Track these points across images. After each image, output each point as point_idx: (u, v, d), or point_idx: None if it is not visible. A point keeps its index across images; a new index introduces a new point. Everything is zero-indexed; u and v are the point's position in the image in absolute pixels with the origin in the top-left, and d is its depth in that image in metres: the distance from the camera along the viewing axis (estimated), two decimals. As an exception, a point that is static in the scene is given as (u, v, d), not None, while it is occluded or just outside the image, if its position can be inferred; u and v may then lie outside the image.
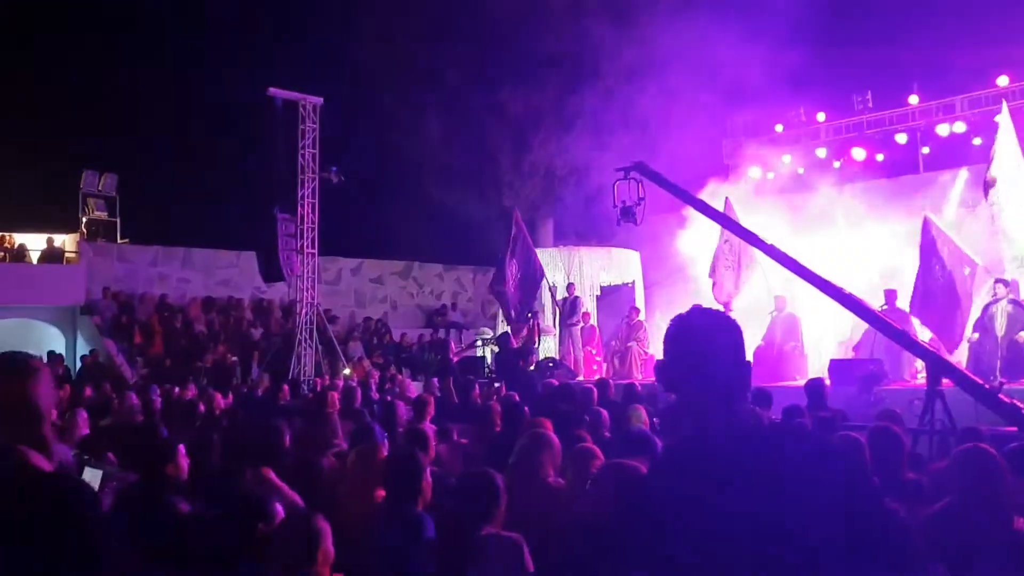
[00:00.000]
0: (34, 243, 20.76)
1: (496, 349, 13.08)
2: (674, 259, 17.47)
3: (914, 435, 7.08)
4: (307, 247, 17.18)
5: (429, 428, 8.04)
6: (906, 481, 4.43)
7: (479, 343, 15.60)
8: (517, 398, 8.72)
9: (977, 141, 14.45)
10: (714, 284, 14.80)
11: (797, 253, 11.78)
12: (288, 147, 16.91)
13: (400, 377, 12.74)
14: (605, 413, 6.77)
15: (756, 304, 14.29)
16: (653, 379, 12.87)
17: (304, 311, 17.26)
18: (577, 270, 18.18)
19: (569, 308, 16.06)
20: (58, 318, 19.98)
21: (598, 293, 18.79)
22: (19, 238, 21.01)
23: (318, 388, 10.53)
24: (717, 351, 1.83)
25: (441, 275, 25.63)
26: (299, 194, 17.07)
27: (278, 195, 16.67)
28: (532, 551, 3.44)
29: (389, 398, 10.72)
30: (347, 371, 18.73)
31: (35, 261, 20.32)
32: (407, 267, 25.10)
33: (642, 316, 16.87)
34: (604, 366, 15.74)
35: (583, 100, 19.25)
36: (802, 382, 9.72)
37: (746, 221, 15.19)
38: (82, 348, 19.32)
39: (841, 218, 15.88)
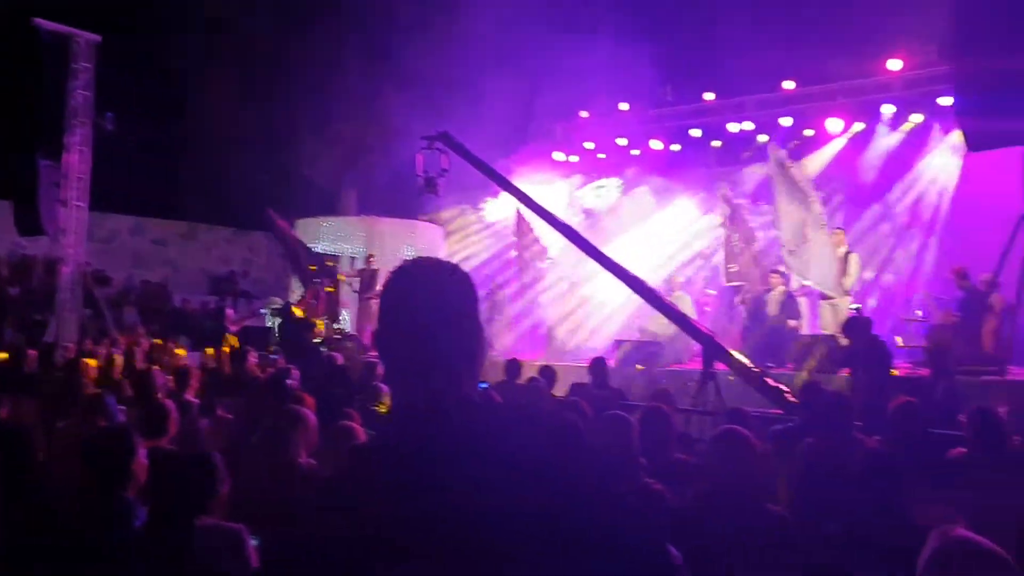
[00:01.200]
0: None
1: (279, 320, 12.34)
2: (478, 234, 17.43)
3: (686, 415, 7.23)
4: (74, 199, 15.51)
5: (193, 402, 7.40)
6: (674, 461, 4.38)
7: (266, 312, 14.74)
8: (296, 373, 8.19)
9: (763, 138, 15.26)
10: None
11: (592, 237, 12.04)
12: (56, 87, 15.13)
13: (169, 345, 11.71)
14: (385, 389, 6.39)
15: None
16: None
17: (68, 270, 15.59)
18: (379, 242, 17.66)
19: (367, 280, 15.53)
20: None
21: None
22: None
23: (72, 356, 9.41)
24: (431, 311, 1.48)
25: (231, 239, 24.16)
26: (67, 140, 15.35)
27: (42, 139, 14.88)
28: (270, 540, 3.01)
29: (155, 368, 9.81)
30: (118, 338, 17.22)
31: None
32: (193, 229, 23.44)
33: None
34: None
35: (389, 69, 18.63)
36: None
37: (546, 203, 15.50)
38: None
39: (635, 206, 16.38)
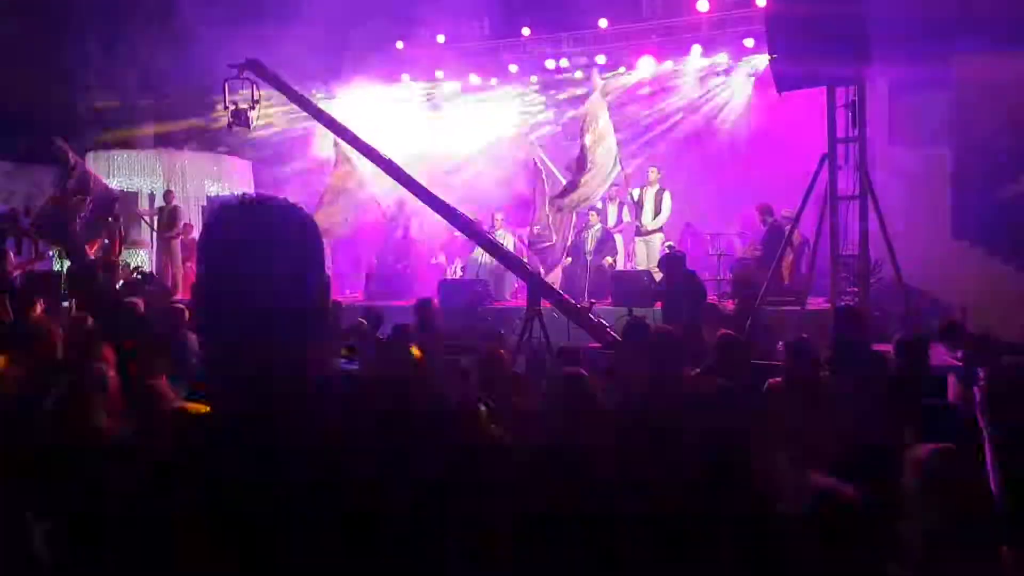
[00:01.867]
0: None
1: (67, 262, 11.22)
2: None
3: (514, 355, 7.23)
4: None
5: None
6: (511, 406, 4.30)
7: (53, 254, 13.43)
8: (90, 321, 7.47)
9: (578, 75, 15.39)
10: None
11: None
12: None
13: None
14: (193, 338, 5.92)
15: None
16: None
17: None
18: (179, 177, 16.46)
19: (168, 218, 14.46)
20: None
21: (204, 204, 17.26)
22: None
23: None
24: (261, 261, 1.21)
25: (11, 173, 21.76)
26: None
27: None
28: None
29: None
30: None
31: None
32: (-35, 163, 20.94)
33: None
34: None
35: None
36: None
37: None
38: None
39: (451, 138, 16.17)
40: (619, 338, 6.89)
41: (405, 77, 17.37)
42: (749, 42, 13.69)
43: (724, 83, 14.49)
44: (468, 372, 3.64)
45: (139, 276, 12.44)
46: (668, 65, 14.91)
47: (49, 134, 16.97)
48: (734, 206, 13.46)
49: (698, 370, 5.19)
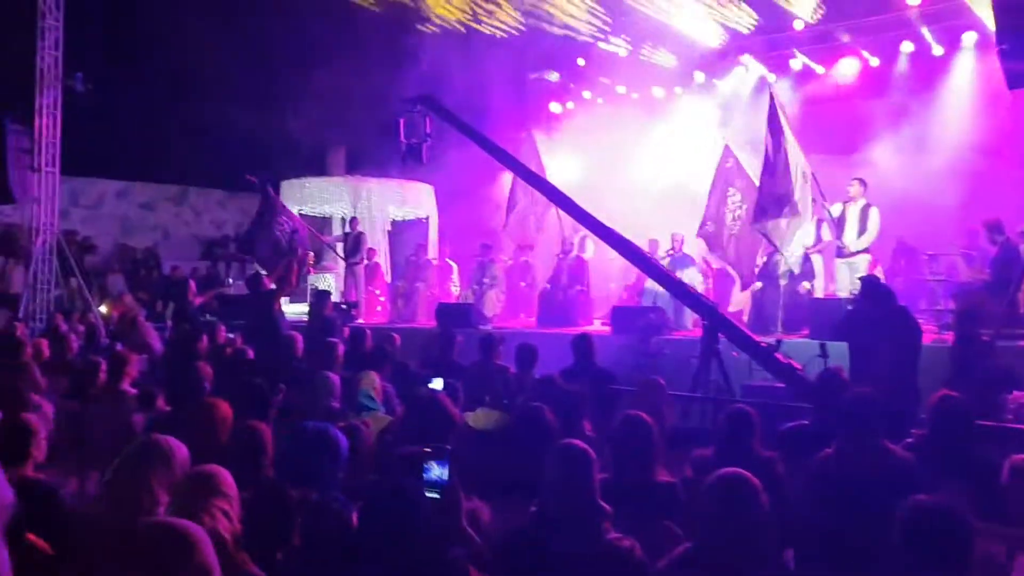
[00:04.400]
0: None
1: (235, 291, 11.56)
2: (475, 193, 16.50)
3: (685, 404, 6.40)
4: (46, 165, 14.66)
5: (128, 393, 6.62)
6: (658, 486, 3.53)
7: (231, 282, 13.97)
8: (250, 355, 7.40)
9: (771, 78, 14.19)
10: (505, 224, 13.86)
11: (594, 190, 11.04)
12: (23, 47, 14.21)
13: (139, 320, 10.95)
14: (334, 379, 5.56)
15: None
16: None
17: (41, 239, 14.81)
18: (366, 203, 16.77)
19: (352, 245, 14.69)
20: None
21: (389, 228, 17.53)
22: None
23: (13, 333, 8.65)
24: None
25: (223, 202, 23.29)
26: (37, 103, 14.46)
27: (9, 103, 14.01)
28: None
29: (120, 347, 9.06)
30: (103, 308, 16.51)
31: None
32: (182, 192, 22.59)
33: (432, 255, 15.85)
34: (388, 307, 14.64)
35: (378, 21, 17.56)
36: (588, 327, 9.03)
37: (550, 159, 14.55)
38: None
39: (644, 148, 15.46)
40: (808, 380, 5.89)
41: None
42: (970, 36, 12.06)
43: (939, 80, 12.83)
44: (588, 463, 2.90)
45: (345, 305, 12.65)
46: (873, 63, 13.46)
47: (252, 166, 17.87)
48: (956, 223, 11.77)
49: (909, 440, 4.18)
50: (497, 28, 16.55)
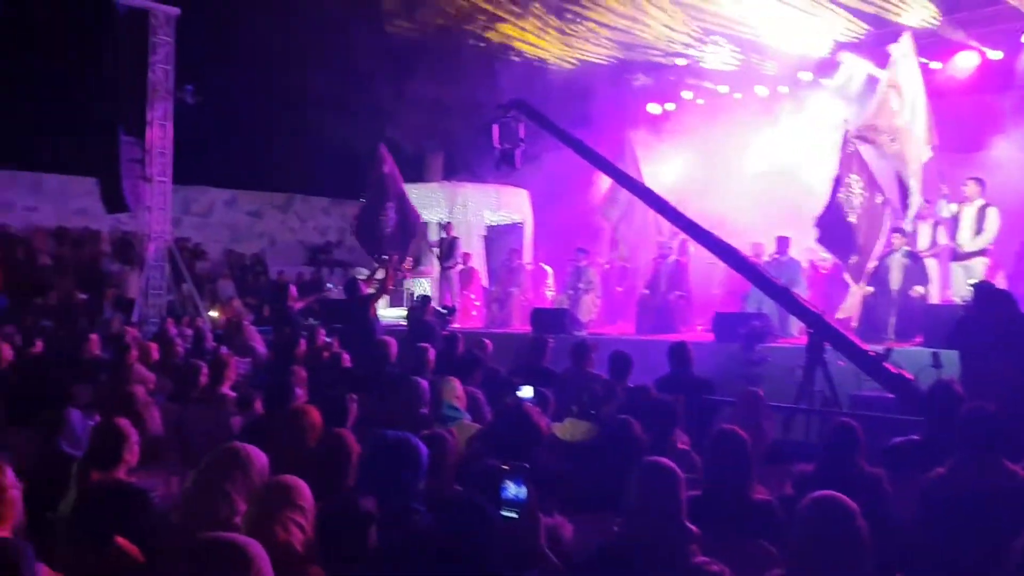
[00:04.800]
0: None
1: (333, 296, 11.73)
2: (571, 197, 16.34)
3: (787, 416, 6.09)
4: (157, 174, 15.30)
5: (228, 395, 6.76)
6: (753, 504, 3.32)
7: (330, 287, 14.21)
8: (346, 359, 7.46)
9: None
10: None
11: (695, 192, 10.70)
12: (135, 62, 14.87)
13: (244, 324, 11.26)
14: (424, 385, 5.51)
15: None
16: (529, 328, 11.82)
17: (154, 246, 15.46)
18: (461, 208, 16.85)
19: (447, 249, 14.77)
20: None
21: (484, 233, 17.57)
22: None
23: (123, 336, 8.98)
24: None
25: (327, 209, 23.89)
26: (149, 115, 15.12)
27: (122, 115, 14.68)
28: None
29: (223, 351, 9.31)
30: (213, 313, 17.10)
31: None
32: (288, 200, 23.27)
33: (527, 259, 15.79)
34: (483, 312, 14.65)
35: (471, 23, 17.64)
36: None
37: (649, 161, 14.29)
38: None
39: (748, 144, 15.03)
40: (921, 391, 5.51)
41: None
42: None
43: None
44: (676, 481, 2.73)
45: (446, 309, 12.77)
46: (994, 56, 12.68)
47: (357, 172, 18.24)
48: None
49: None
50: (592, 55, 16.42)
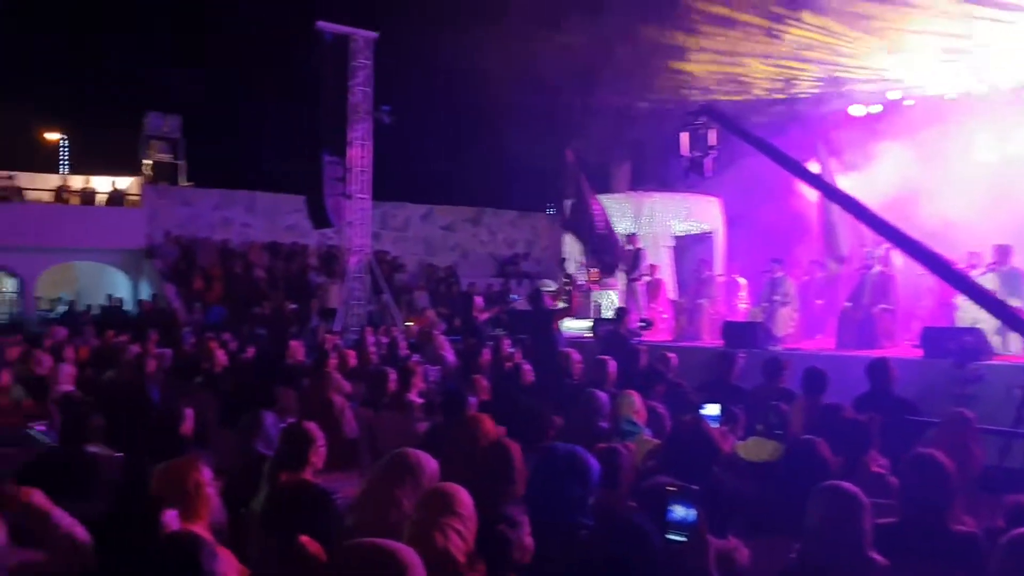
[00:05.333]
0: (103, 186, 20.67)
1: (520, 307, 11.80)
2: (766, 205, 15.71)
3: (1005, 441, 5.48)
4: (357, 191, 16.18)
5: (413, 400, 6.97)
6: (953, 536, 2.98)
7: (514, 298, 14.36)
8: (528, 370, 7.50)
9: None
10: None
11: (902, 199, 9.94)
12: (337, 85, 15.83)
13: (435, 334, 11.61)
14: (603, 398, 5.42)
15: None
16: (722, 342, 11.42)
17: (354, 260, 16.35)
18: (648, 218, 16.61)
19: (632, 261, 14.58)
20: (124, 262, 19.84)
21: (673, 243, 17.22)
22: (88, 181, 20.92)
23: (324, 343, 9.51)
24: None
25: (515, 222, 24.39)
26: (349, 136, 16.03)
27: (326, 136, 15.66)
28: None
29: (416, 359, 9.67)
30: (409, 323, 17.83)
31: (103, 204, 20.21)
32: (479, 213, 23.96)
33: (718, 270, 15.30)
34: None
35: (659, 33, 17.39)
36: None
37: (858, 166, 13.44)
38: (145, 292, 19.09)
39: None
40: None
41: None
42: None
43: None
44: (860, 510, 2.48)
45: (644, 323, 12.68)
46: None
47: (541, 186, 18.53)
48: None
49: None
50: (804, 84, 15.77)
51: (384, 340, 12.50)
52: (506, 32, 18.69)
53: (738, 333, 11.19)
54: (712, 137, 10.36)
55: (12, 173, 20.15)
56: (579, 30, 17.27)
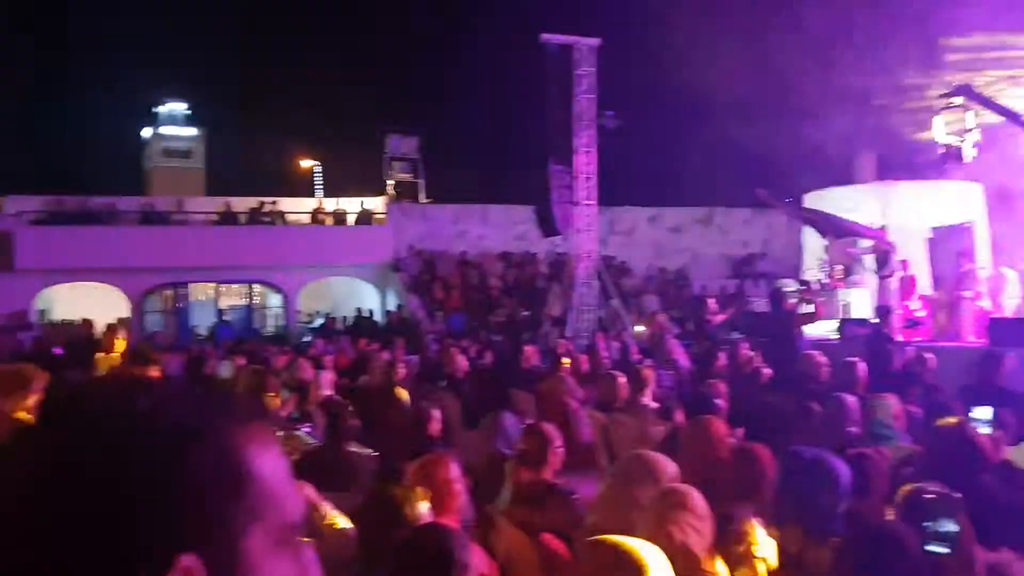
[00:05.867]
0: (352, 206, 22.43)
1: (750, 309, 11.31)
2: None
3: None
4: (584, 198, 16.37)
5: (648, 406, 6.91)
6: None
7: (749, 300, 13.78)
8: (767, 373, 7.22)
9: None
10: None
11: None
12: (561, 94, 16.13)
13: (667, 337, 11.45)
14: (851, 402, 5.10)
15: None
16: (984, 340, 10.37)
17: (583, 266, 16.54)
18: (897, 210, 15.45)
19: (881, 257, 13.60)
20: (373, 276, 21.35)
21: (930, 235, 15.88)
22: (339, 203, 22.78)
23: (556, 349, 9.67)
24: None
25: (749, 220, 23.54)
26: (574, 143, 16.26)
27: (552, 146, 15.99)
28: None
29: (646, 363, 9.61)
30: (639, 327, 17.77)
31: (352, 223, 21.91)
32: (709, 213, 23.39)
33: (981, 263, 13.94)
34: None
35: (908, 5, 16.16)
36: None
37: None
38: (392, 303, 20.43)
39: None
40: None
41: None
42: None
43: None
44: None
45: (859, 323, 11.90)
46: None
47: (770, 180, 17.77)
48: None
49: None
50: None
51: (616, 344, 12.52)
52: (734, 19, 18.17)
53: (1005, 330, 10.18)
54: (970, 120, 9.51)
55: (275, 199, 22.40)
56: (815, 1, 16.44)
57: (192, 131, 37.94)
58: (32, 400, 3.92)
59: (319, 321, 20.56)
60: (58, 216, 20.39)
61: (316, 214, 22.24)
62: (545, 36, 16.00)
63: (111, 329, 8.44)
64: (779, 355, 8.06)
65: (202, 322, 21.11)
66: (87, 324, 15.24)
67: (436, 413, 5.12)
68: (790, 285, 17.35)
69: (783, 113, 18.88)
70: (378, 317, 20.02)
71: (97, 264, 18.77)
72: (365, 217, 21.78)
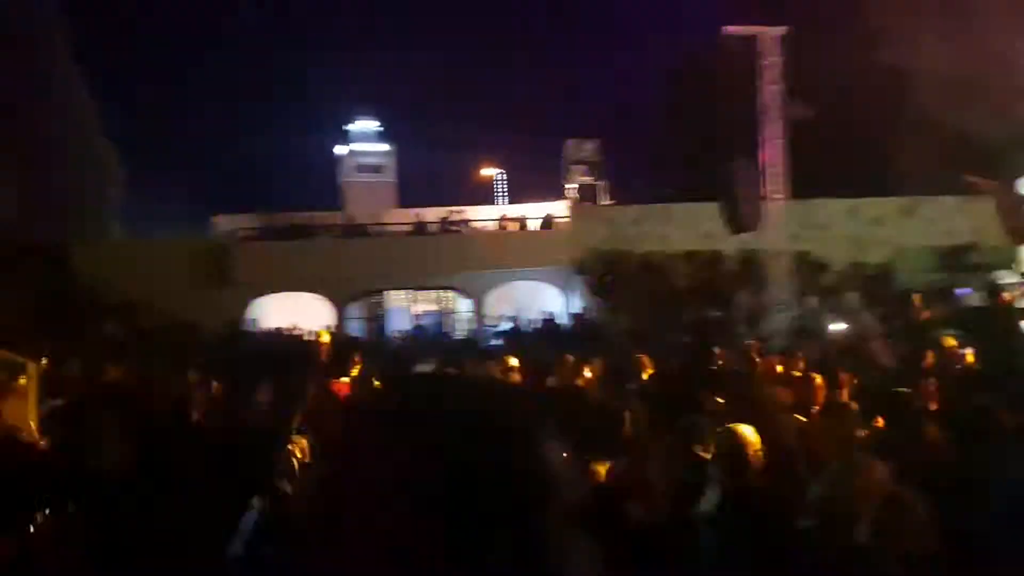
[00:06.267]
0: (534, 211, 22.78)
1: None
2: None
3: None
4: (772, 192, 15.74)
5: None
6: None
7: (960, 294, 12.66)
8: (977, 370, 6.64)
9: None
10: None
11: None
12: (745, 87, 15.61)
13: (868, 336, 10.78)
14: None
15: None
16: None
17: (775, 262, 15.92)
18: None
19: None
20: (557, 279, 21.55)
21: None
22: (522, 209, 23.21)
23: (749, 350, 9.33)
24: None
25: (958, 208, 21.71)
26: (761, 136, 15.68)
27: (736, 140, 15.52)
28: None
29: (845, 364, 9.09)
30: (837, 326, 16.88)
31: (535, 228, 22.26)
32: (912, 203, 21.78)
33: None
34: None
35: None
36: None
37: None
38: (575, 306, 20.53)
39: None
40: None
41: None
42: None
43: None
44: None
45: None
46: None
47: (993, 159, 16.38)
48: None
49: None
50: None
51: (812, 345, 11.93)
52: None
53: None
54: None
55: (461, 208, 23.13)
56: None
57: (383, 147, 39.96)
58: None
59: (505, 325, 20.99)
60: (267, 232, 22.04)
61: (500, 221, 22.76)
62: (727, 28, 15.55)
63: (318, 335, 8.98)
64: (998, 353, 7.39)
65: (399, 328, 22.17)
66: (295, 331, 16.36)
67: (627, 415, 5.08)
68: (1006, 277, 15.92)
69: (995, 93, 17.35)
70: (562, 320, 20.18)
71: (304, 275, 20.14)
72: (547, 222, 22.04)
